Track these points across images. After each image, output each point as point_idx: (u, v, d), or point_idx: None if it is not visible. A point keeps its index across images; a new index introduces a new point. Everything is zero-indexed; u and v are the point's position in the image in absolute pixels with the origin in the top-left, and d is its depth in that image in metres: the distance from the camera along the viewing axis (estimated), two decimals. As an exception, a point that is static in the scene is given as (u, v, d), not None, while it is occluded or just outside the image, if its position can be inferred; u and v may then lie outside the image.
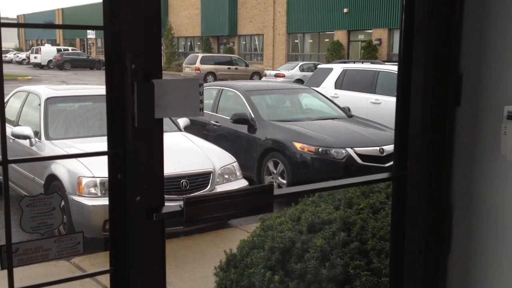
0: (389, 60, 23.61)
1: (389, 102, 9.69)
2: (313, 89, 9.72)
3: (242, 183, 5.79)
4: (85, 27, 1.28)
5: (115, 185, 1.25)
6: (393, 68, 10.69)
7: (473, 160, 1.67)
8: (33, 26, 1.29)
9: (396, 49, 28.40)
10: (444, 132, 1.69)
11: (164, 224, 1.33)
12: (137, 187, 1.24)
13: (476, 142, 1.66)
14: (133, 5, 1.18)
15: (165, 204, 1.30)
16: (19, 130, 5.75)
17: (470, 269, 1.72)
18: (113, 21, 1.18)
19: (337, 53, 30.04)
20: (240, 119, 7.65)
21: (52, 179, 5.23)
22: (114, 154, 1.24)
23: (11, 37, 65.69)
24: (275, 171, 7.17)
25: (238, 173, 5.88)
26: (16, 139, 5.72)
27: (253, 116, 7.64)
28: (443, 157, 1.70)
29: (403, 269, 1.78)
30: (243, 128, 7.65)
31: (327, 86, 11.61)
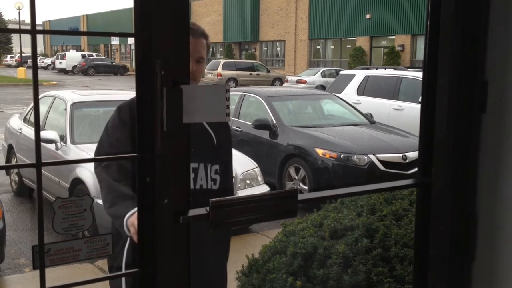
0: (412, 66, 23.40)
1: (412, 109, 9.62)
2: (335, 95, 9.70)
3: (263, 189, 5.81)
4: (118, 34, 1.32)
5: (143, 189, 1.28)
6: (416, 74, 10.60)
7: (499, 167, 1.66)
8: (65, 33, 1.33)
9: (419, 55, 28.16)
10: (469, 139, 1.68)
11: (190, 227, 1.35)
12: (165, 190, 1.26)
13: (502, 149, 1.65)
14: (163, 14, 1.21)
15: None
16: (45, 134, 5.86)
17: (495, 276, 1.70)
18: (144, 29, 1.21)
19: (359, 59, 29.94)
20: (261, 125, 7.67)
21: (77, 182, 5.32)
22: (143, 158, 1.27)
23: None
24: (296, 177, 7.17)
25: (259, 179, 5.90)
26: (42, 143, 5.83)
27: (274, 122, 7.65)
28: (468, 164, 1.69)
29: (427, 276, 1.78)
30: (264, 134, 7.67)
31: (349, 92, 11.58)
